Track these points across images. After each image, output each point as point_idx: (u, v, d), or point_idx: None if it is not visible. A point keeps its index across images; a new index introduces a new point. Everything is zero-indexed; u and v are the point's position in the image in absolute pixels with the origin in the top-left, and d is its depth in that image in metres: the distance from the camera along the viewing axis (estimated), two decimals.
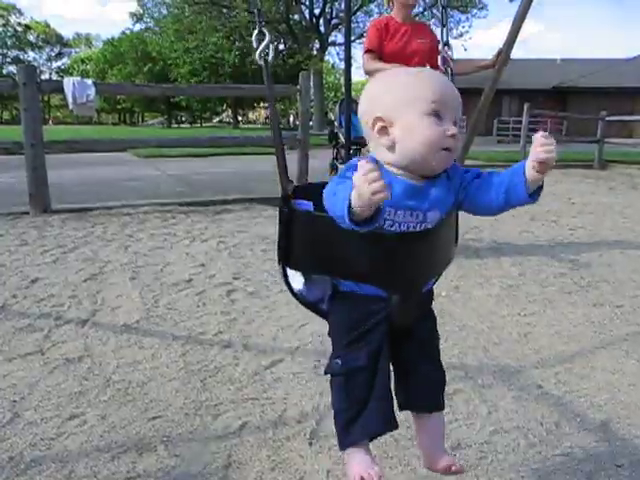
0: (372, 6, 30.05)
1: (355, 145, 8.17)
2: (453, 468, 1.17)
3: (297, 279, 1.30)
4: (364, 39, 3.91)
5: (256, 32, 1.29)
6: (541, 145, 0.99)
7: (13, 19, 61.48)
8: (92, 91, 5.30)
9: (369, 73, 3.74)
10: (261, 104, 53.72)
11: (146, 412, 1.86)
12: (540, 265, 3.78)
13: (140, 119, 65.67)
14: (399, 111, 1.07)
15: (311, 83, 6.21)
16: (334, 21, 30.87)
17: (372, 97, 1.13)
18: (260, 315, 2.76)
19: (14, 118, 50.51)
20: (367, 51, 3.69)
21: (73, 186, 7.16)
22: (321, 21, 30.71)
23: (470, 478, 1.55)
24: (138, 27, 47.55)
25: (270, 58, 1.31)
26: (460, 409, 1.91)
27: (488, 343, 2.48)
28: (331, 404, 1.19)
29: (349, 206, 0.93)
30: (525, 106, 11.63)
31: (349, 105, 7.84)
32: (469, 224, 5.13)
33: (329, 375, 1.19)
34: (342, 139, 8.17)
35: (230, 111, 53.19)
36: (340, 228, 1.01)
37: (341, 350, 1.16)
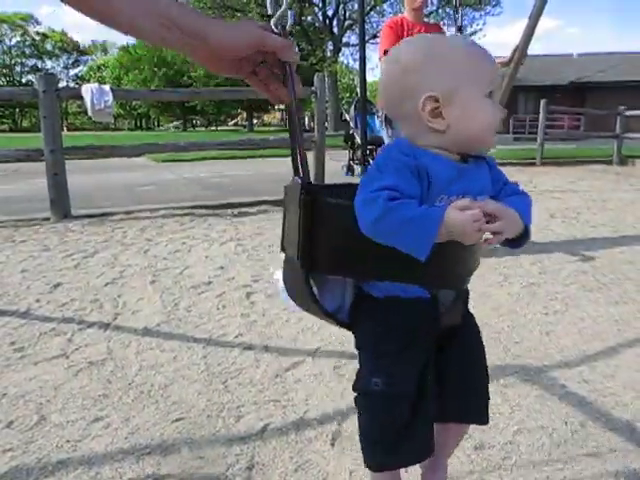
0: (385, 6, 29.97)
1: (371, 145, 8.21)
2: None
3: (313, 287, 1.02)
4: (378, 39, 3.91)
5: None
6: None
7: (31, 29, 62.46)
8: (110, 97, 5.37)
9: None
10: (276, 107, 53.85)
11: (169, 414, 1.88)
12: (561, 263, 3.74)
13: (156, 124, 66.30)
14: (461, 89, 0.90)
15: (326, 84, 6.21)
16: (347, 22, 30.85)
17: (418, 67, 0.91)
18: (280, 317, 2.77)
19: (33, 126, 51.29)
20: (387, 52, 3.65)
21: (92, 191, 7.25)
22: (334, 22, 30.72)
23: (494, 478, 1.54)
24: None
25: (289, 25, 0.99)
26: None
27: (509, 342, 2.46)
28: (358, 424, 1.02)
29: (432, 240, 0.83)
30: (542, 102, 11.50)
31: (365, 106, 7.82)
32: None
33: (357, 392, 1.02)
34: (358, 139, 8.19)
35: (245, 114, 53.45)
36: None
37: (381, 367, 0.96)
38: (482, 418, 1.10)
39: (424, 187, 0.88)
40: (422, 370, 0.97)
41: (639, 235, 4.60)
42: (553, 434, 1.75)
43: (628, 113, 11.85)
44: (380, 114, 3.93)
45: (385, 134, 3.93)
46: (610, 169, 10.79)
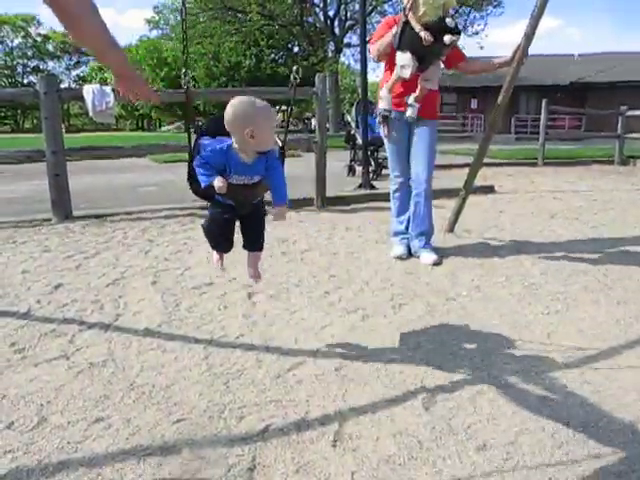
0: (386, 6, 29.92)
1: (372, 145, 8.24)
2: (254, 279, 2.41)
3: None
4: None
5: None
6: None
7: (33, 30, 62.51)
8: (111, 98, 5.35)
9: (379, 58, 3.82)
10: (276, 107, 53.90)
11: (170, 415, 1.88)
12: (562, 263, 3.73)
13: (158, 125, 66.26)
14: (261, 127, 1.88)
15: (327, 85, 6.19)
16: (349, 22, 30.82)
17: (243, 115, 1.88)
18: (281, 318, 2.77)
19: (35, 127, 51.31)
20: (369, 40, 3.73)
21: (93, 192, 7.25)
22: (336, 23, 30.68)
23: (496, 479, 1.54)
24: (155, 33, 47.94)
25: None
26: (484, 410, 1.90)
27: (511, 343, 2.46)
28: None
29: (207, 185, 1.96)
30: (543, 103, 11.48)
31: (366, 106, 7.82)
32: (489, 223, 5.09)
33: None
34: (359, 140, 8.19)
35: None
36: None
37: (209, 220, 2.26)
38: (255, 248, 2.31)
39: (227, 167, 1.96)
40: (224, 223, 2.20)
41: None
42: (555, 435, 1.75)
43: (629, 113, 11.82)
44: (377, 113, 3.95)
45: (382, 132, 3.93)
46: (611, 169, 10.77)
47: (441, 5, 3.39)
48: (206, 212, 2.37)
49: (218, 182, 1.91)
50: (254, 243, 2.30)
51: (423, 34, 3.30)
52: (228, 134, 1.98)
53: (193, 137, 2.17)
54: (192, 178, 2.13)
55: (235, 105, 1.91)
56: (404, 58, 3.50)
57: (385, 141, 3.95)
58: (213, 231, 2.25)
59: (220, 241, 2.29)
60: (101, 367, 2.23)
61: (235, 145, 1.96)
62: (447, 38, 3.32)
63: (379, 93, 3.94)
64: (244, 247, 2.30)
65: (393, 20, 3.78)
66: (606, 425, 1.80)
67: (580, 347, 2.41)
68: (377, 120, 3.98)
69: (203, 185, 1.96)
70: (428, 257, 3.78)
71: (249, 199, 2.16)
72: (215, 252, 2.37)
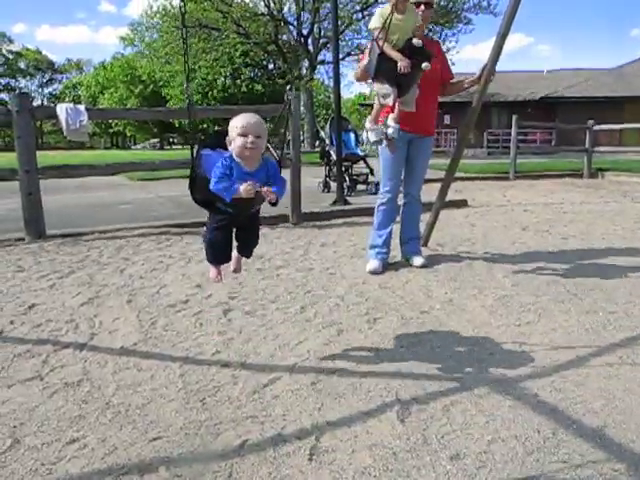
0: (361, 24, 30.40)
1: (346, 162, 8.31)
2: (238, 272, 2.62)
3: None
4: (352, 57, 4.00)
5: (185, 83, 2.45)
6: None
7: (4, 47, 61.88)
8: (85, 117, 5.35)
9: (358, 80, 3.93)
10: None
11: (147, 433, 1.87)
12: (533, 274, 3.82)
13: (133, 142, 65.81)
14: (232, 132, 2.12)
15: (302, 102, 6.26)
16: (322, 40, 31.19)
17: (231, 128, 2.13)
18: (257, 334, 2.78)
19: (7, 145, 50.55)
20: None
21: (68, 211, 7.18)
22: (309, 41, 31.02)
23: None
24: (130, 51, 47.79)
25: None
26: (457, 420, 1.93)
27: (483, 354, 2.51)
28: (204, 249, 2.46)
29: (232, 195, 2.08)
30: (513, 118, 11.76)
31: (340, 123, 7.92)
32: (462, 237, 5.18)
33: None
34: (334, 156, 8.27)
35: None
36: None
37: (211, 229, 2.38)
38: (248, 253, 2.56)
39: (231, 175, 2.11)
40: (224, 235, 2.38)
41: (608, 246, 4.72)
42: (526, 442, 1.79)
43: (597, 127, 12.18)
44: (363, 139, 4.12)
45: (380, 150, 3.99)
46: (581, 182, 11.05)
47: (410, 28, 3.40)
48: (201, 230, 2.57)
49: (246, 188, 2.03)
50: (248, 248, 2.54)
51: (402, 64, 3.28)
52: (226, 148, 2.17)
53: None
54: (193, 187, 2.35)
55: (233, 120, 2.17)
56: (383, 87, 3.54)
57: (381, 158, 4.02)
58: (217, 240, 2.37)
59: (222, 250, 2.41)
60: (76, 387, 2.22)
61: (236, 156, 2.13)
62: (424, 65, 3.34)
63: (365, 125, 3.93)
64: (238, 251, 2.52)
65: None
66: (575, 431, 1.85)
67: (550, 356, 2.47)
68: (363, 139, 4.13)
69: (228, 198, 2.09)
70: (419, 260, 4.09)
71: (249, 206, 2.29)
72: (213, 267, 2.50)
